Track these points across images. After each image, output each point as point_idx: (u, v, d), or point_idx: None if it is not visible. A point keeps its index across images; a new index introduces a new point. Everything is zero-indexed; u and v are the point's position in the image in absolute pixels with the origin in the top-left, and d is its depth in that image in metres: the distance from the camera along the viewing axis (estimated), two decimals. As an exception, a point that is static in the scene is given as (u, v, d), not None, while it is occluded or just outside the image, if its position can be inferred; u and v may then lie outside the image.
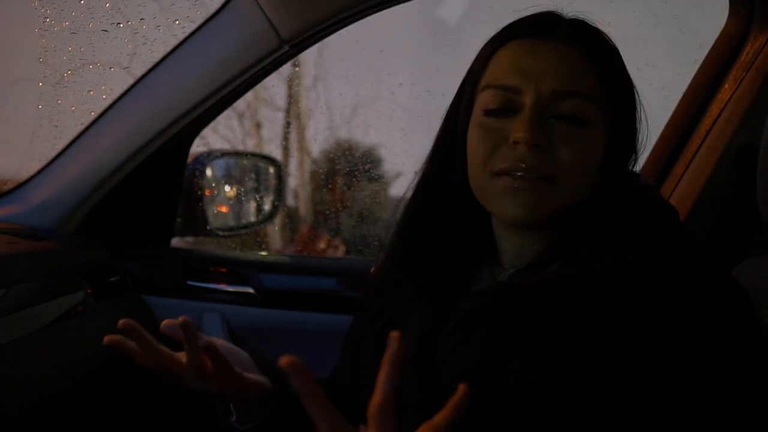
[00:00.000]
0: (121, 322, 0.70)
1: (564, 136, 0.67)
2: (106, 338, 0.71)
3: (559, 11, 0.73)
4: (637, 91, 0.73)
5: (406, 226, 0.79)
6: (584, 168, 0.68)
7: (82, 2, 1.26)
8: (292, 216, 4.03)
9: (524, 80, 0.68)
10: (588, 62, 0.69)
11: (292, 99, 4.05)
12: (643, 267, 0.63)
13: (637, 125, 0.74)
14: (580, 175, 0.68)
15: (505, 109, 0.70)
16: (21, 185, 1.27)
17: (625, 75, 0.73)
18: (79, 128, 1.23)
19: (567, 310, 0.64)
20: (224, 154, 1.54)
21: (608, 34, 0.73)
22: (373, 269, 0.85)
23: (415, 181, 0.79)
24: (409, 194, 0.79)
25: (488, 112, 0.70)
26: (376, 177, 3.58)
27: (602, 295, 0.63)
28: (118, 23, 1.26)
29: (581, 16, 0.73)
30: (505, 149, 0.68)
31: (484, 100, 0.71)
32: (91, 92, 1.33)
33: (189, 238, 1.76)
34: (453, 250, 0.77)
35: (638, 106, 0.73)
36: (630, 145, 0.73)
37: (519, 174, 0.67)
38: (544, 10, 0.73)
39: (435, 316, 0.73)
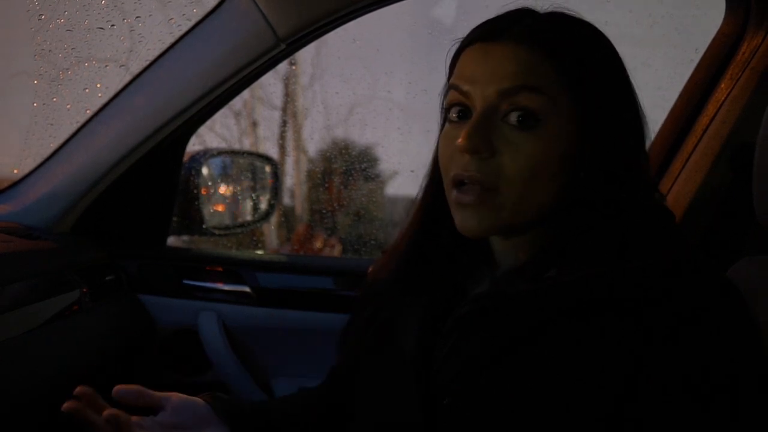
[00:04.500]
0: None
1: (511, 140, 0.66)
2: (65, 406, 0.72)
3: (531, 7, 0.72)
4: (632, 83, 0.70)
5: (414, 230, 0.79)
6: (534, 173, 0.66)
7: (78, -1, 1.26)
8: (288, 215, 4.02)
9: (473, 85, 0.68)
10: (544, 57, 0.66)
11: (288, 98, 4.04)
12: (639, 273, 0.63)
13: (640, 117, 0.70)
14: (529, 182, 0.66)
15: (464, 115, 0.69)
16: (16, 183, 1.27)
17: (606, 66, 0.70)
18: (75, 126, 1.22)
19: (564, 315, 0.64)
20: (220, 152, 1.53)
21: (594, 26, 0.70)
22: (370, 269, 0.85)
23: (422, 185, 0.79)
24: (420, 195, 0.79)
25: (449, 119, 0.71)
26: (373, 176, 3.58)
27: (599, 300, 0.63)
28: (112, 25, 1.25)
29: (556, 9, 0.71)
30: (457, 157, 0.68)
31: (447, 105, 0.71)
32: (87, 90, 1.32)
33: (185, 237, 1.76)
34: (452, 250, 0.77)
35: (634, 97, 0.70)
36: (619, 141, 0.69)
37: (464, 185, 0.67)
38: (512, 9, 0.72)
39: (433, 317, 0.73)
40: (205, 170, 1.43)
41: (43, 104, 1.35)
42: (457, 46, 0.74)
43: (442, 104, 0.75)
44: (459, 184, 0.67)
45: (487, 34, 0.70)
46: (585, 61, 0.68)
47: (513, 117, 0.66)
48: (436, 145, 0.76)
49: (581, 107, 0.67)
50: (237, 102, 4.21)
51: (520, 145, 0.66)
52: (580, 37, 0.70)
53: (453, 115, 0.70)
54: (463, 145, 0.65)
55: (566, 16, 0.71)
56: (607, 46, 0.71)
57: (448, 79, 0.73)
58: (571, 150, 0.67)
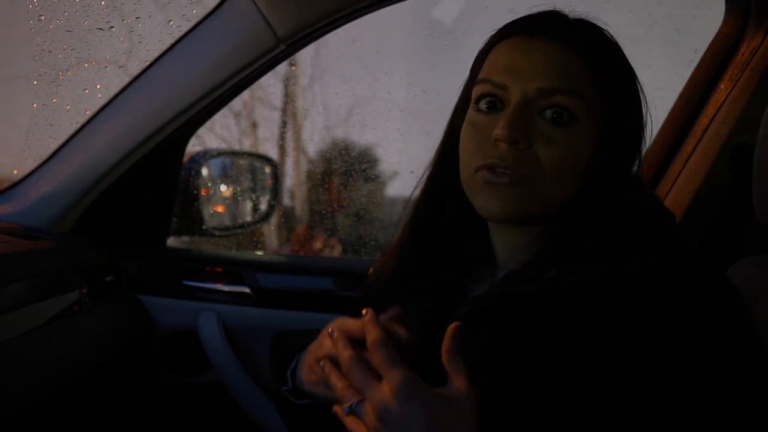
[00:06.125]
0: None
1: (547, 135, 0.67)
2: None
3: (562, 11, 0.73)
4: (643, 93, 0.73)
5: (412, 225, 0.79)
6: (565, 169, 0.67)
7: (78, 0, 1.26)
8: (288, 216, 4.02)
9: (512, 78, 0.69)
10: (580, 61, 0.68)
11: (288, 98, 4.04)
12: (639, 274, 0.63)
13: (643, 126, 0.73)
14: (559, 177, 0.67)
15: (494, 106, 0.70)
16: (16, 184, 1.27)
17: (625, 76, 0.72)
18: (75, 127, 1.22)
19: (564, 315, 0.64)
20: (220, 153, 1.53)
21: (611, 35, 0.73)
22: (371, 270, 0.85)
23: (423, 179, 0.79)
24: (417, 193, 0.79)
25: (478, 109, 0.72)
26: (373, 177, 3.58)
27: (599, 301, 0.63)
28: (111, 26, 1.25)
29: (584, 17, 0.73)
30: (488, 146, 0.69)
31: (476, 96, 0.72)
32: (86, 91, 1.32)
33: (185, 238, 1.76)
34: (452, 249, 0.77)
35: (643, 108, 0.73)
36: (628, 146, 0.72)
37: (497, 170, 0.67)
38: (547, 9, 0.74)
39: (435, 317, 0.73)
40: (205, 171, 1.43)
41: (43, 105, 1.36)
42: (487, 39, 0.75)
43: (465, 95, 0.76)
44: (491, 169, 0.68)
45: (527, 29, 0.71)
46: (612, 68, 0.70)
47: (549, 113, 0.68)
48: (444, 137, 0.77)
49: (606, 111, 0.69)
50: (237, 103, 4.21)
51: (555, 140, 0.67)
52: (607, 44, 0.72)
53: (482, 105, 0.71)
54: (503, 134, 0.66)
55: (593, 24, 0.73)
56: (623, 55, 0.73)
57: (475, 70, 0.74)
58: (592, 151, 0.69)
